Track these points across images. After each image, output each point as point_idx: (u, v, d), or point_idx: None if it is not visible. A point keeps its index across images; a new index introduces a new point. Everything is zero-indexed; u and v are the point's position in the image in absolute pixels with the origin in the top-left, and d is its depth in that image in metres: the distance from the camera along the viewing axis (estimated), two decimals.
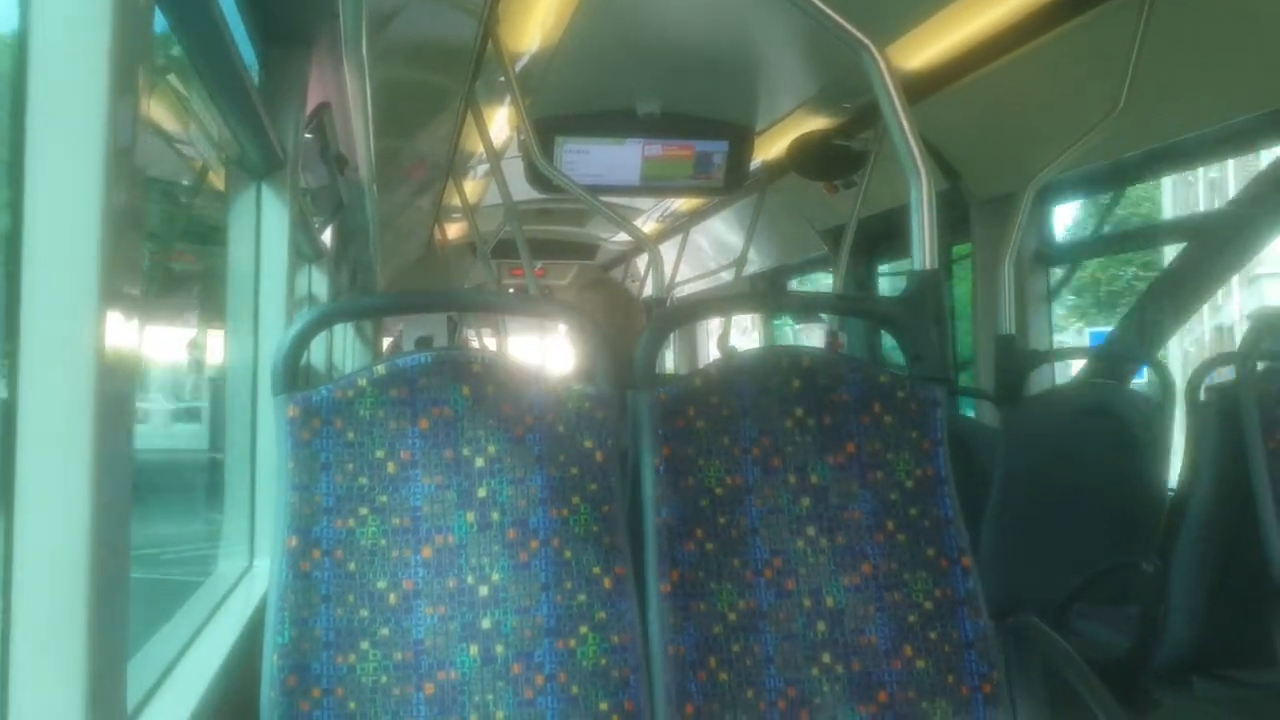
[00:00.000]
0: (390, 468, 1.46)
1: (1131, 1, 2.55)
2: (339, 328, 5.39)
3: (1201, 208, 12.40)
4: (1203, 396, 2.28)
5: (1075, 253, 3.73)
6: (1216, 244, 3.02)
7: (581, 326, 1.63)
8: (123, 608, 0.96)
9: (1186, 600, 2.22)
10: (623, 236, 7.29)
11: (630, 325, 3.19)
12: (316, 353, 4.30)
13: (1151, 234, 3.77)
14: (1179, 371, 3.06)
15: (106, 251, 0.88)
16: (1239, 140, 2.86)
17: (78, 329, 0.87)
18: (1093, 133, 2.73)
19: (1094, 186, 3.56)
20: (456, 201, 5.43)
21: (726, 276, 6.24)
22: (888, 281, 5.16)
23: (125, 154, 0.92)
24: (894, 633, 1.55)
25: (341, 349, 6.15)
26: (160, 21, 1.47)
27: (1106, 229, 3.75)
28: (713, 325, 7.43)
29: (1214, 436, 2.21)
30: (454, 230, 7.03)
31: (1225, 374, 2.27)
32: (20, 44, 0.88)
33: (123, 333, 0.93)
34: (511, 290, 7.27)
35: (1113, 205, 3.58)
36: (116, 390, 0.92)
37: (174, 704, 1.36)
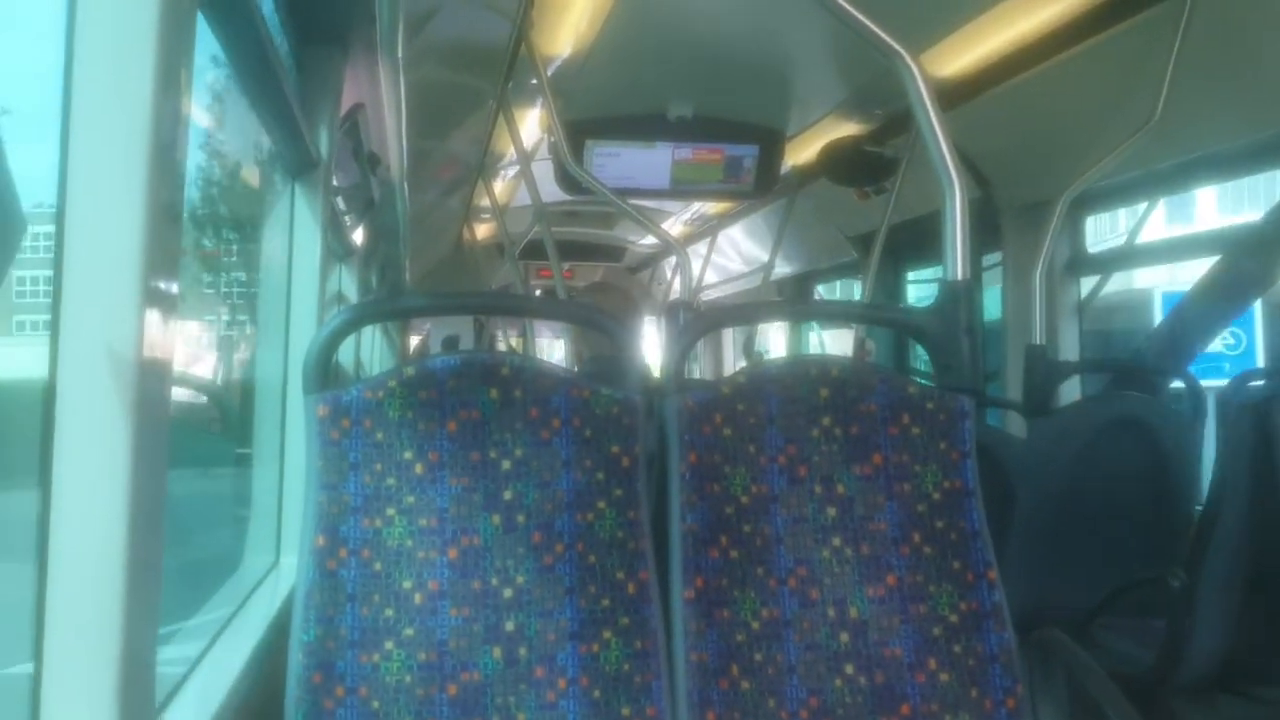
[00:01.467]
0: (418, 469, 1.47)
1: (1169, 12, 2.52)
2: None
3: None
4: (1234, 409, 2.26)
5: (1107, 263, 3.69)
6: (1252, 255, 2.98)
7: (610, 331, 1.64)
8: (154, 601, 0.98)
9: (1214, 615, 2.20)
10: (650, 239, 7.28)
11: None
12: (343, 348, 4.32)
13: (1185, 245, 3.72)
14: None
15: (149, 247, 0.89)
16: (1277, 152, 2.83)
17: (117, 324, 0.88)
18: (1128, 143, 2.70)
19: (1129, 197, 3.53)
20: (486, 202, 5.44)
21: (754, 281, 6.22)
22: (914, 288, 5.14)
23: (168, 150, 0.93)
24: (918, 645, 1.54)
25: (369, 345, 6.19)
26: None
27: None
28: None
29: (1246, 449, 2.18)
30: (483, 230, 7.06)
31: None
32: (66, 43, 0.89)
33: (161, 329, 0.94)
34: (539, 291, 7.28)
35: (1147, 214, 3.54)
36: (153, 387, 0.93)
37: (202, 696, 1.37)
